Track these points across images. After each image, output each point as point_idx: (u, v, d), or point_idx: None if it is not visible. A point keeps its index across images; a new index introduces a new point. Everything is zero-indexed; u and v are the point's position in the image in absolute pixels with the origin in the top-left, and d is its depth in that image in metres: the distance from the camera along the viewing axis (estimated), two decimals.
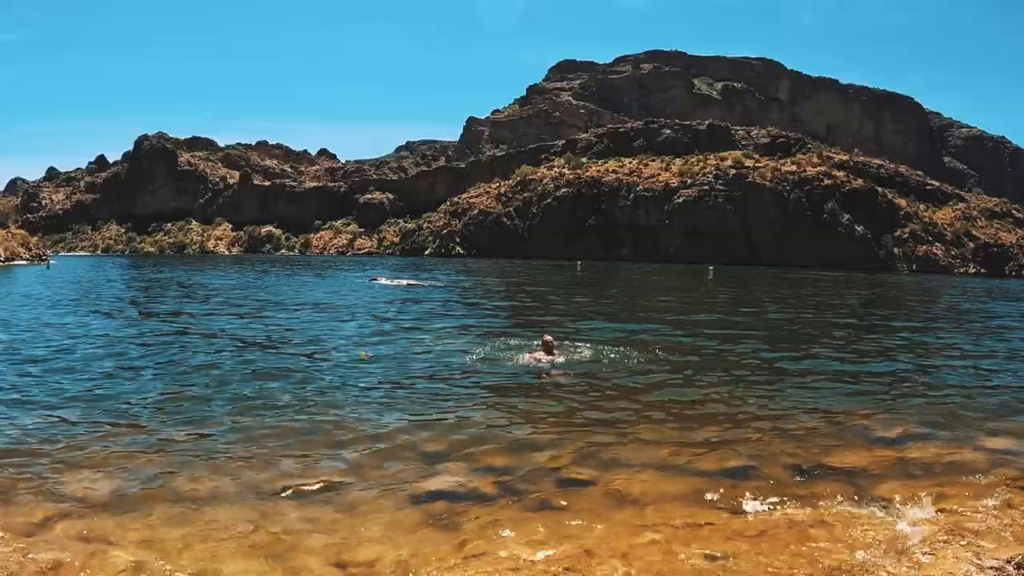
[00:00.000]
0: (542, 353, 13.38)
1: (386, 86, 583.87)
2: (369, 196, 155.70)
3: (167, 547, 5.45)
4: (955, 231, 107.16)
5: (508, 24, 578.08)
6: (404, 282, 40.38)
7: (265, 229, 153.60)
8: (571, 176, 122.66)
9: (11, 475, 6.93)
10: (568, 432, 8.78)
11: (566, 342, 14.87)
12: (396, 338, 16.71)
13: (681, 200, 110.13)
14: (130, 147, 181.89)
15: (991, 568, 5.11)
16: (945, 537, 5.78)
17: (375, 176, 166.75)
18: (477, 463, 7.54)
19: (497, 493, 6.73)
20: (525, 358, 13.57)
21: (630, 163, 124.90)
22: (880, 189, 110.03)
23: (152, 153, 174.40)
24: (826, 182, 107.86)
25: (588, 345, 14.97)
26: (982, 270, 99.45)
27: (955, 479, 7.34)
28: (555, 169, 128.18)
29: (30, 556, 5.23)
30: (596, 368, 12.87)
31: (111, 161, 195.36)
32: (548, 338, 13.59)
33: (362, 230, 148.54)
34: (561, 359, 13.28)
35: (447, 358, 13.86)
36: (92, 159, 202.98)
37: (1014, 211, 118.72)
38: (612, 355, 13.99)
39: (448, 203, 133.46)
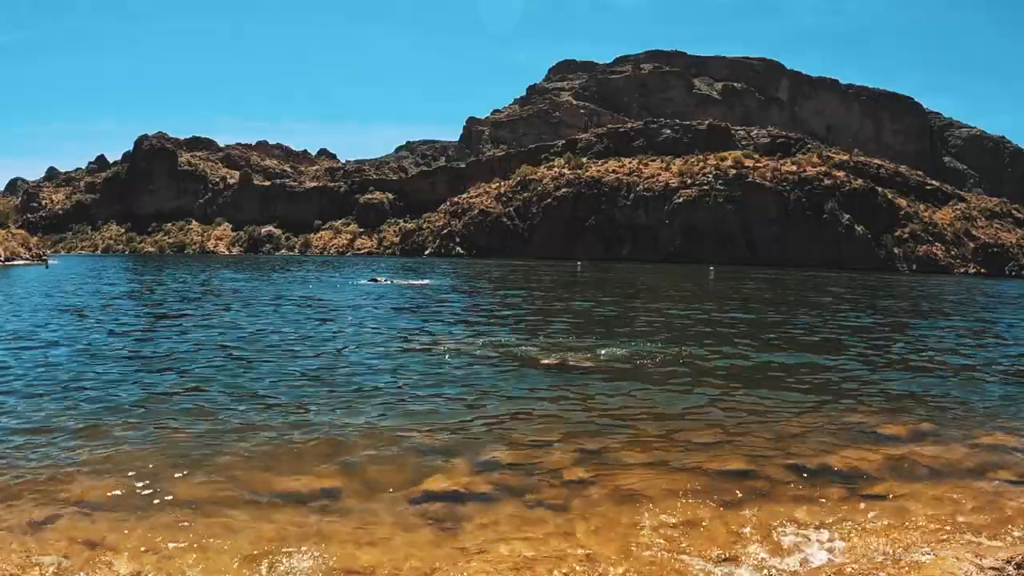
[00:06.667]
0: (545, 353, 13.40)
1: (386, 86, 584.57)
2: (369, 196, 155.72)
3: (165, 553, 5.44)
4: (955, 231, 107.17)
5: (508, 24, 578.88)
6: (404, 282, 40.40)
7: (265, 229, 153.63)
8: (571, 176, 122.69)
9: (11, 476, 6.93)
10: (570, 432, 8.77)
11: (571, 339, 14.88)
12: (397, 338, 16.71)
13: (681, 200, 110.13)
14: (130, 147, 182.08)
15: (991, 568, 5.12)
16: (945, 537, 5.79)
17: (375, 176, 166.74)
18: (478, 463, 7.53)
19: (498, 493, 6.73)
20: (527, 357, 13.56)
21: (630, 163, 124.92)
22: (880, 189, 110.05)
23: (152, 153, 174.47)
24: (826, 182, 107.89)
25: (590, 346, 14.96)
26: (982, 270, 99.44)
27: (955, 478, 7.35)
28: (555, 169, 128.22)
29: (31, 559, 5.23)
30: (599, 368, 12.87)
31: (111, 161, 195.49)
32: (561, 353, 13.70)
33: (362, 230, 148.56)
34: (563, 360, 13.28)
35: (447, 358, 13.86)
36: (92, 159, 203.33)
37: (1014, 211, 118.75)
38: (615, 355, 13.98)
39: (448, 203, 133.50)
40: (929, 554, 5.41)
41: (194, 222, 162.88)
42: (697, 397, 10.84)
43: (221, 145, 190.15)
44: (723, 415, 9.73)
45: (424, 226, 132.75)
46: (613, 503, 6.48)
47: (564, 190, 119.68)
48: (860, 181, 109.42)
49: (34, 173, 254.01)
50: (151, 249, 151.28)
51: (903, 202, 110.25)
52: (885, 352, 16.54)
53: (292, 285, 39.16)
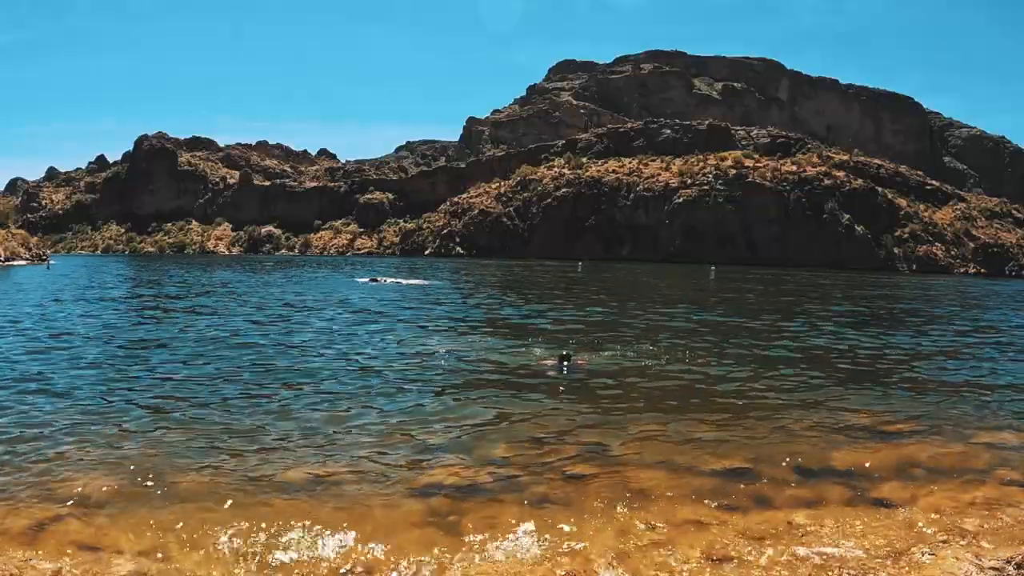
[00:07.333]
0: (546, 353, 13.37)
1: (386, 86, 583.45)
2: (369, 196, 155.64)
3: (165, 551, 5.43)
4: (955, 231, 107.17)
5: (508, 24, 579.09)
6: (404, 282, 40.43)
7: (265, 229, 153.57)
8: (571, 176, 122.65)
9: (10, 476, 6.92)
10: (572, 429, 8.78)
11: (572, 339, 14.88)
12: (397, 337, 16.71)
13: (681, 200, 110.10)
14: (130, 147, 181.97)
15: (991, 568, 5.11)
16: (945, 537, 5.78)
17: (375, 176, 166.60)
18: (478, 460, 7.53)
19: (499, 490, 6.73)
20: (528, 356, 13.56)
21: (630, 163, 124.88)
22: (880, 189, 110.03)
23: (152, 153, 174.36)
24: (826, 182, 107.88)
25: (592, 345, 14.96)
26: (982, 270, 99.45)
27: (956, 478, 7.34)
28: (555, 169, 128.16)
29: (29, 562, 5.21)
30: (600, 367, 12.87)
31: (111, 161, 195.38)
32: (565, 353, 13.43)
33: (362, 230, 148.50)
34: (564, 359, 13.27)
35: (448, 356, 13.87)
36: (92, 159, 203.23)
37: (1014, 211, 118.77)
38: (616, 355, 13.99)
39: (448, 203, 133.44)
40: (929, 554, 5.41)
41: (194, 222, 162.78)
42: (698, 397, 10.85)
43: (221, 145, 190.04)
44: (724, 415, 9.73)
45: (424, 226, 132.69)
46: (614, 501, 6.47)
47: (564, 190, 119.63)
48: (860, 181, 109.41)
49: (34, 173, 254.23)
50: (151, 249, 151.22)
51: (903, 202, 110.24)
52: (886, 352, 16.54)
53: (292, 284, 39.16)
